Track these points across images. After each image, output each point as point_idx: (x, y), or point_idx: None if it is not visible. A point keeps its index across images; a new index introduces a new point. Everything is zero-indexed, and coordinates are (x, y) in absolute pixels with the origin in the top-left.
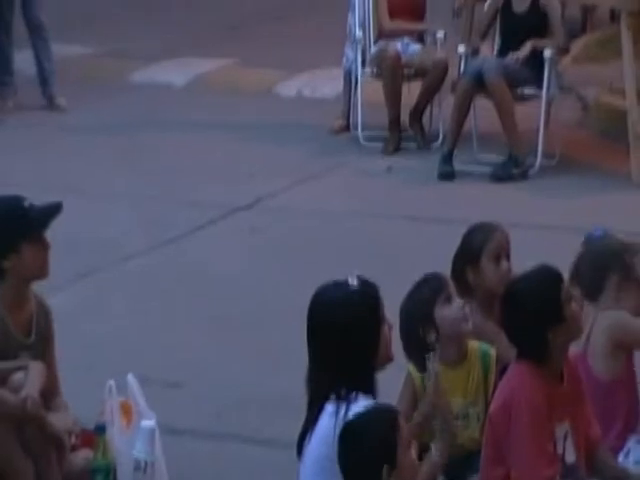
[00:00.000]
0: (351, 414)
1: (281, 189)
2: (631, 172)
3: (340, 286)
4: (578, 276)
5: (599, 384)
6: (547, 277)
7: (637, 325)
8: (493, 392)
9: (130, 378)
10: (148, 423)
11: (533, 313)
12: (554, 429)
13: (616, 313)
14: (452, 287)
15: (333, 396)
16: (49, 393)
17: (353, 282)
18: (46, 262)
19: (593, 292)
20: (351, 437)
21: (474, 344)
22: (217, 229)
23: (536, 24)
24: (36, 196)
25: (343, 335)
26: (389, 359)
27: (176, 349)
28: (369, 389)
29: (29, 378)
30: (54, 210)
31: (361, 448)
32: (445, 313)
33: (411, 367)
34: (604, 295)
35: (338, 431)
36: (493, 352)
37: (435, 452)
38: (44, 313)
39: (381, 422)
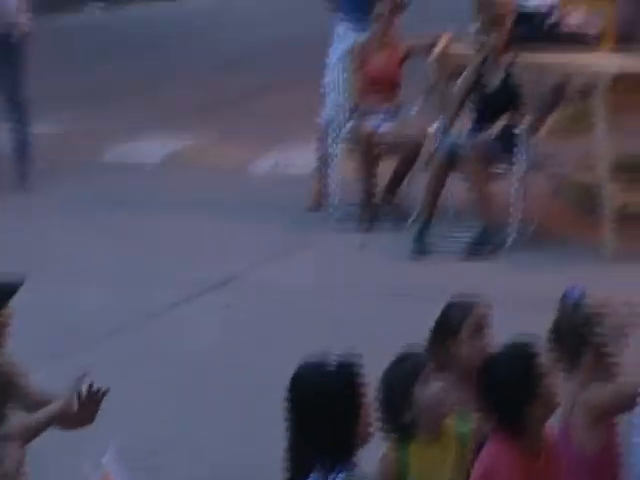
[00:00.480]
0: None
1: (256, 266)
2: (603, 246)
3: (321, 366)
4: (555, 344)
5: (583, 457)
6: (522, 352)
7: (607, 394)
8: (471, 466)
9: (109, 454)
10: None
11: (509, 388)
12: None
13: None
14: (431, 366)
15: (318, 467)
16: None
17: (335, 362)
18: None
19: (569, 363)
20: None
21: (451, 421)
22: (193, 307)
23: (508, 99)
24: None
25: (323, 417)
26: (369, 437)
27: (153, 424)
28: (349, 467)
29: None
30: (10, 288)
31: None
32: (425, 394)
33: (387, 446)
34: (582, 364)
35: None
36: (469, 428)
37: None
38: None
39: None
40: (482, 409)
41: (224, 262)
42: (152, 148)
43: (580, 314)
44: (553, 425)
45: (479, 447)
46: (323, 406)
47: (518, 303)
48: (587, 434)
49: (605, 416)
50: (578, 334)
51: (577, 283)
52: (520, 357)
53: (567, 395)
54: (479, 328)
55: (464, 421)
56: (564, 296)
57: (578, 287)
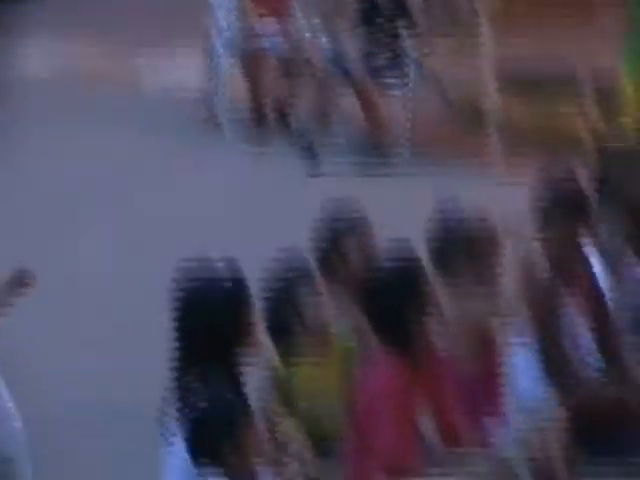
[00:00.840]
0: None
1: (145, 184)
2: (490, 165)
3: (209, 279)
4: (432, 254)
5: (462, 374)
6: (407, 265)
7: (487, 320)
8: (357, 381)
9: None
10: None
11: (394, 299)
12: (416, 415)
13: (471, 308)
14: (319, 280)
15: (200, 385)
16: None
17: (224, 275)
18: None
19: (445, 273)
20: (199, 425)
21: (336, 336)
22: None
23: (395, 10)
24: None
25: (211, 328)
26: (257, 351)
27: None
28: (236, 380)
29: None
30: None
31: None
32: (311, 308)
33: (275, 357)
34: (462, 278)
35: None
36: (355, 342)
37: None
38: None
39: (230, 409)
40: (368, 323)
41: (111, 180)
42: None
43: (456, 226)
44: (436, 338)
45: (366, 362)
46: (211, 317)
47: (404, 218)
48: (466, 352)
49: (483, 337)
50: (453, 246)
51: (453, 195)
52: (405, 270)
53: (447, 309)
54: (364, 242)
55: (350, 336)
56: (440, 208)
57: (453, 199)
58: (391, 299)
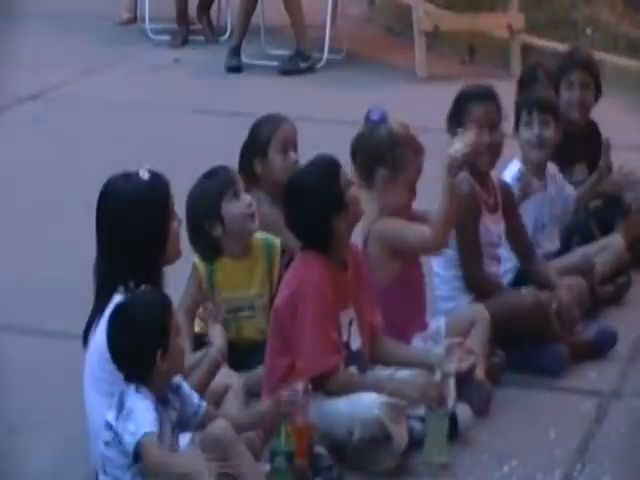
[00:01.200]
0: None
1: (66, 80)
2: (415, 66)
3: (130, 178)
4: (354, 160)
5: (375, 286)
6: (326, 166)
7: (409, 232)
8: (278, 283)
9: None
10: None
11: (315, 201)
12: (339, 316)
13: (389, 222)
14: (240, 182)
15: (121, 288)
16: None
17: (144, 175)
18: None
19: (365, 179)
20: (122, 319)
21: (258, 236)
22: (1, 120)
23: None
24: None
25: (132, 228)
26: (178, 254)
27: None
28: (156, 282)
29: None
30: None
31: (133, 330)
32: (232, 210)
33: (196, 258)
34: (375, 186)
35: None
36: (277, 243)
37: (212, 348)
38: None
39: (154, 306)
40: (290, 223)
41: (35, 75)
42: None
43: (377, 133)
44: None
45: (288, 261)
46: (132, 216)
47: (329, 120)
48: (381, 268)
49: (403, 253)
50: (373, 152)
51: (379, 104)
52: (324, 171)
53: (366, 214)
54: (287, 145)
55: (273, 235)
56: (366, 116)
57: (379, 108)
58: (310, 201)
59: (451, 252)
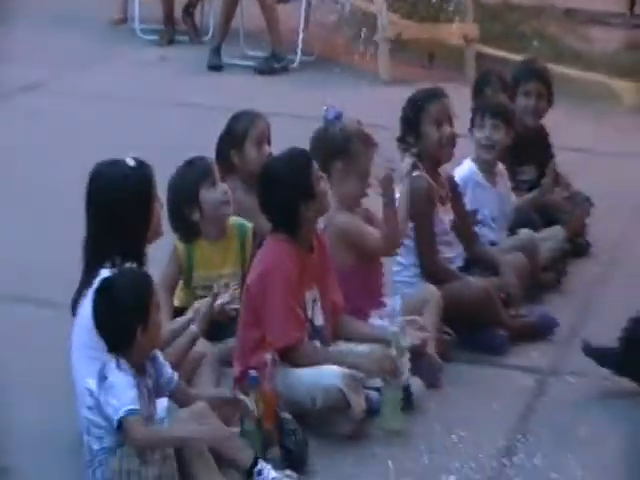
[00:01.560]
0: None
1: (59, 74)
2: (379, 70)
3: (118, 164)
4: (313, 155)
5: (337, 269)
6: (298, 158)
7: (366, 236)
8: (250, 262)
9: None
10: None
11: (286, 189)
12: (304, 295)
13: (349, 223)
14: (217, 172)
15: (108, 264)
16: None
17: (130, 162)
18: None
19: (323, 172)
20: (107, 296)
21: (232, 220)
22: None
23: None
24: None
25: (119, 209)
26: (159, 233)
27: None
28: (140, 259)
29: None
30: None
31: (116, 308)
32: (209, 197)
33: (176, 240)
34: (331, 177)
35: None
36: (250, 227)
37: (193, 326)
38: None
39: (137, 286)
40: (263, 210)
41: (28, 69)
42: None
43: (332, 130)
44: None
45: (259, 243)
46: (117, 199)
47: (300, 117)
48: (339, 253)
49: (355, 247)
50: (329, 147)
51: (335, 103)
52: (296, 162)
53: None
54: (262, 138)
55: (246, 220)
56: (323, 115)
57: (335, 107)
58: (284, 190)
59: (410, 242)
